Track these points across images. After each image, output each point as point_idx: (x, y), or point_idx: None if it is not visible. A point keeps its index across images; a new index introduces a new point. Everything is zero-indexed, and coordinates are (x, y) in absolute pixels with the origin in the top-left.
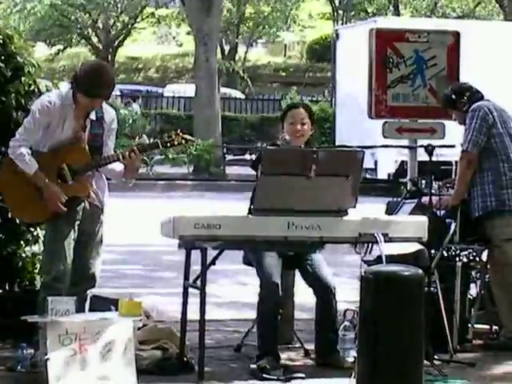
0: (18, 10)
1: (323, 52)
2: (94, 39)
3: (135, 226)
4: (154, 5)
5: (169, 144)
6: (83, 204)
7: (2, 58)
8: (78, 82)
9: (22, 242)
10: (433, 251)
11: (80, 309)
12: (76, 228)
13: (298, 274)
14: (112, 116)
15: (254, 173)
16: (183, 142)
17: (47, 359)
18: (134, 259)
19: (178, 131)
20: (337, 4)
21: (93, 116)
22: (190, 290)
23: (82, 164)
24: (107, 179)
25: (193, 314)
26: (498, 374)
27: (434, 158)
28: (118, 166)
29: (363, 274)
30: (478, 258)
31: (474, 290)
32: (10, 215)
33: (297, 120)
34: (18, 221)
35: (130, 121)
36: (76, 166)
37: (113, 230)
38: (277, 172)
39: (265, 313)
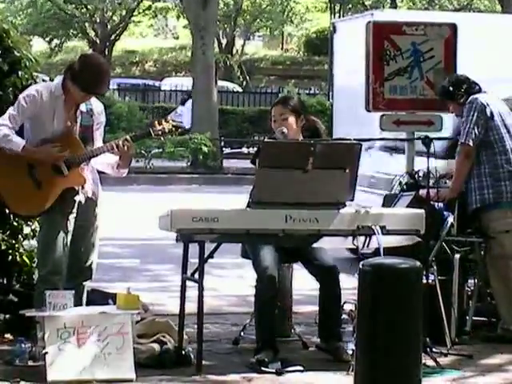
0: (11, 1)
1: (320, 45)
2: (91, 33)
3: (133, 220)
4: None
5: (160, 132)
6: (78, 197)
7: None
8: (77, 76)
9: (20, 237)
10: (430, 244)
11: (77, 302)
12: (72, 221)
13: (295, 267)
14: (101, 109)
15: (251, 166)
16: (173, 129)
17: (45, 353)
18: (132, 252)
19: (168, 118)
20: None
21: (83, 108)
22: (189, 283)
23: (76, 155)
24: (100, 173)
25: (191, 307)
26: (495, 365)
27: (431, 151)
28: (110, 158)
29: (361, 266)
30: (475, 251)
31: (471, 283)
32: (7, 210)
33: (277, 118)
34: (16, 215)
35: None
36: (70, 157)
37: (110, 224)
38: (274, 165)
39: (262, 306)
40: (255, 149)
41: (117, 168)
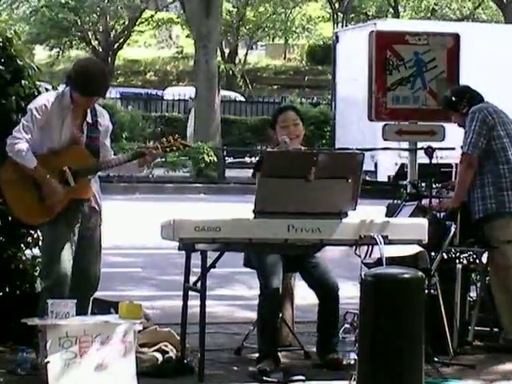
0: (11, 7)
1: (323, 55)
2: (94, 42)
3: (135, 229)
4: (154, 8)
5: (168, 149)
6: (82, 207)
7: (2, 60)
8: (74, 82)
9: (22, 245)
10: (433, 253)
11: (82, 313)
12: (76, 231)
13: (298, 276)
14: (107, 118)
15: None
16: (181, 147)
17: (47, 362)
18: (134, 262)
19: (176, 136)
20: (337, 6)
21: (89, 119)
22: (191, 292)
23: (84, 166)
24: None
25: (193, 316)
26: (498, 376)
27: (433, 161)
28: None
29: (363, 276)
30: (477, 261)
31: (473, 293)
32: (10, 218)
33: (289, 122)
34: (18, 223)
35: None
36: (77, 169)
37: (113, 233)
38: (277, 174)
39: (265, 315)
40: (257, 158)
41: (139, 166)
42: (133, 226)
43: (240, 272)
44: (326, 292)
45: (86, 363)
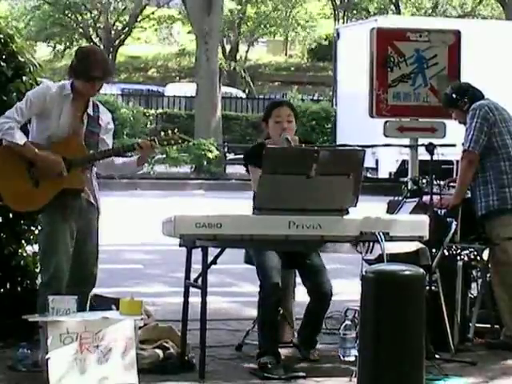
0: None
1: (324, 51)
2: (95, 39)
3: (136, 225)
4: (155, 4)
5: (166, 143)
6: (79, 200)
7: (3, 57)
8: (76, 69)
9: (22, 241)
10: (434, 250)
11: (81, 309)
12: (73, 226)
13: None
14: (108, 117)
15: None
16: (180, 141)
17: (48, 358)
18: (136, 258)
19: (175, 130)
20: (338, 3)
21: (90, 111)
22: (192, 288)
23: (78, 157)
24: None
25: (194, 312)
26: (498, 372)
27: (435, 157)
28: (126, 158)
29: (364, 273)
30: (478, 257)
31: (474, 290)
32: (11, 214)
33: (283, 118)
34: (19, 219)
35: (132, 120)
36: (72, 159)
37: (114, 229)
38: (278, 171)
39: (265, 312)
40: (245, 152)
41: (137, 164)
42: (134, 222)
43: (242, 268)
44: (320, 297)
45: (86, 359)
